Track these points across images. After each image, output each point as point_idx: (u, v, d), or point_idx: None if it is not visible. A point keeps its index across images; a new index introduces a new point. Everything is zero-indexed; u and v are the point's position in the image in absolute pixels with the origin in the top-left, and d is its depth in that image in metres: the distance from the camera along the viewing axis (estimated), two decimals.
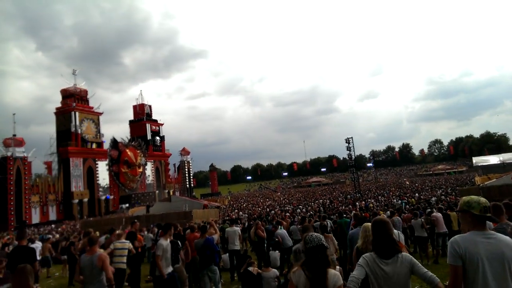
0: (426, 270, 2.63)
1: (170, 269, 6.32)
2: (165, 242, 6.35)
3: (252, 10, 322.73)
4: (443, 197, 23.60)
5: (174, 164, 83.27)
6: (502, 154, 70.75)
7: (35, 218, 49.09)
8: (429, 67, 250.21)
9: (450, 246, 2.60)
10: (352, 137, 37.97)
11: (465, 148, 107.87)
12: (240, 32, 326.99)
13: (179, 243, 7.26)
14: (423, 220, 9.95)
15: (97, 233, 10.74)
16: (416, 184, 46.36)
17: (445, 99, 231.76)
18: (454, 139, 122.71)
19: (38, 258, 12.10)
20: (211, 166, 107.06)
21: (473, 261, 2.47)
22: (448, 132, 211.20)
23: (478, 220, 2.60)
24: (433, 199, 23.28)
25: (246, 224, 15.44)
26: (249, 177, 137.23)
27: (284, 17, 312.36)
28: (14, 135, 49.01)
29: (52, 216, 51.81)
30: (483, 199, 2.65)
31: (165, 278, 6.13)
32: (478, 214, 2.59)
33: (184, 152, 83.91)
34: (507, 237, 2.57)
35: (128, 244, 7.95)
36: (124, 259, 7.74)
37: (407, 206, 19.91)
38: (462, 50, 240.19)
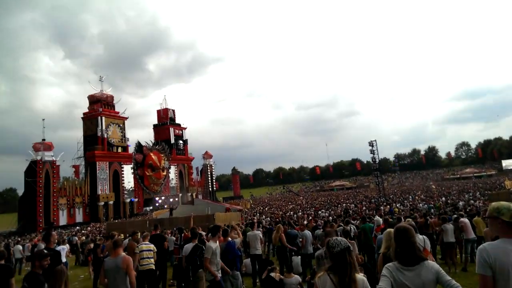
0: (450, 278, 2.53)
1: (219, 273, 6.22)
2: (214, 245, 6.23)
3: (273, 15, 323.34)
4: (471, 201, 22.79)
5: (197, 168, 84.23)
6: None
7: (63, 220, 50.57)
8: (455, 68, 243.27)
9: (479, 255, 2.49)
10: (375, 140, 37.27)
11: (493, 150, 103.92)
12: (261, 37, 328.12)
13: (204, 248, 7.23)
14: (453, 225, 9.60)
15: (121, 236, 10.91)
16: (443, 188, 45.03)
17: (471, 100, 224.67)
18: (482, 142, 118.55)
19: (64, 260, 12.45)
20: (233, 169, 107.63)
21: (503, 271, 2.35)
22: (475, 134, 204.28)
23: (509, 227, 2.47)
24: (461, 203, 22.55)
25: (267, 228, 15.32)
26: (271, 181, 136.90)
27: (305, 23, 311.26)
28: (44, 140, 50.74)
29: (79, 218, 53.26)
30: (509, 204, 2.53)
31: (218, 280, 6.06)
32: (508, 220, 2.46)
33: (207, 155, 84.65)
34: None
35: (152, 246, 7.94)
36: (152, 260, 7.72)
37: (433, 210, 19.35)
38: (489, 50, 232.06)
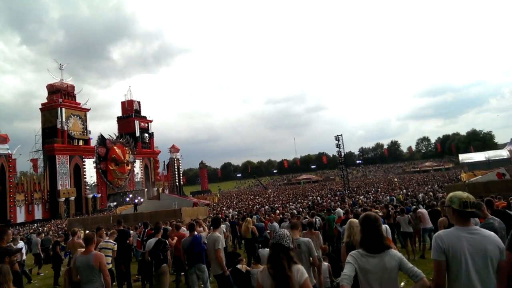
0: (412, 266, 2.63)
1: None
2: (220, 236, 6.36)
3: (243, 8, 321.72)
4: (430, 193, 23.87)
5: (164, 162, 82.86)
6: (488, 152, 72.22)
7: (20, 217, 48.22)
8: (418, 66, 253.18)
9: (434, 241, 2.65)
10: (341, 135, 38.23)
11: (451, 145, 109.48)
12: (230, 30, 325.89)
13: (167, 242, 7.17)
14: (410, 216, 10.07)
15: (82, 232, 10.56)
16: (404, 181, 46.88)
17: (432, 97, 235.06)
18: (441, 137, 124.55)
19: (24, 258, 11.93)
20: (201, 163, 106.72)
21: (456, 256, 2.51)
22: (435, 130, 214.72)
23: (460, 215, 2.63)
24: (420, 195, 23.56)
25: (231, 221, 15.29)
26: (239, 175, 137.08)
27: (275, 17, 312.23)
28: None
29: (38, 215, 50.97)
30: (465, 194, 2.67)
31: (227, 275, 6.21)
32: (457, 209, 2.62)
33: (174, 149, 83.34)
34: (491, 233, 2.59)
35: (111, 244, 7.85)
36: (110, 259, 7.61)
37: (395, 201, 20.08)
38: (450, 52, 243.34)
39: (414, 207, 12.48)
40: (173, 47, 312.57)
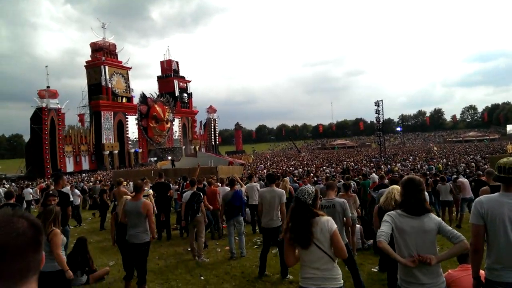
0: (451, 229, 2.63)
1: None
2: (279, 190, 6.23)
3: None
4: (473, 164, 23.05)
5: (201, 122, 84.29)
6: None
7: (69, 167, 51.64)
8: (468, 29, 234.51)
9: (474, 206, 2.64)
10: (382, 100, 36.91)
11: (500, 115, 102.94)
12: None
13: (201, 194, 7.62)
14: (450, 185, 9.93)
15: (142, 181, 11.31)
16: (444, 150, 45.29)
17: (483, 63, 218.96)
18: (489, 106, 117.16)
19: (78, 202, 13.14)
20: (237, 124, 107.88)
21: (494, 221, 2.48)
22: (484, 98, 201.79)
23: (500, 181, 2.59)
24: (462, 165, 22.83)
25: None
26: (273, 137, 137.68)
27: None
28: (48, 87, 50.49)
29: (85, 166, 54.35)
30: (505, 160, 2.62)
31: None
32: (497, 174, 2.60)
33: (211, 110, 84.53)
34: None
35: (146, 191, 8.45)
36: None
37: (434, 171, 19.67)
38: (504, 14, 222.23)
39: (455, 176, 12.25)
40: (210, 6, 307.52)
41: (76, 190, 13.91)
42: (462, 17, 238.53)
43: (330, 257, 2.76)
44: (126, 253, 5.49)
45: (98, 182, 23.23)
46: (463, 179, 10.23)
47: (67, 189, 13.19)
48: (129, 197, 6.06)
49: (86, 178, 36.46)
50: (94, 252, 6.82)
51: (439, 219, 2.71)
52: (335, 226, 2.80)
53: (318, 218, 2.79)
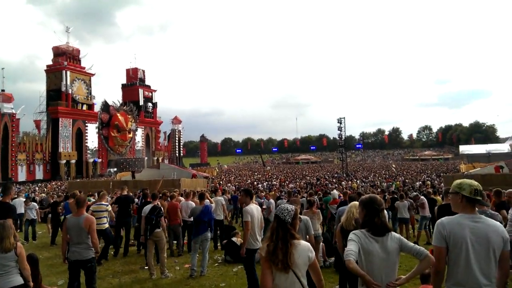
0: (413, 244, 2.65)
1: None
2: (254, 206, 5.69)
3: None
4: (428, 182, 24.06)
5: (165, 132, 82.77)
6: (489, 145, 72.16)
7: (21, 176, 48.75)
8: (428, 52, 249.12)
9: (436, 228, 2.62)
10: (344, 117, 38.05)
11: (453, 136, 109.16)
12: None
13: (161, 208, 7.42)
14: (409, 202, 10.23)
15: (84, 195, 10.75)
16: (402, 168, 47.11)
17: (439, 85, 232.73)
18: (443, 126, 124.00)
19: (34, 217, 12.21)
20: (202, 136, 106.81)
21: (456, 244, 2.49)
22: (438, 119, 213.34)
23: (468, 202, 2.58)
24: (417, 183, 23.75)
25: (232, 195, 15.59)
26: (238, 150, 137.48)
27: None
28: (3, 90, 47.85)
29: (39, 175, 51.52)
30: (475, 182, 2.64)
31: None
32: (468, 196, 2.57)
33: (176, 120, 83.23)
34: (496, 222, 2.57)
35: (104, 206, 8.44)
36: (104, 220, 8.24)
37: (392, 189, 20.29)
38: (457, 46, 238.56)
39: (415, 193, 12.65)
40: (177, 14, 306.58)
41: (33, 203, 12.99)
42: (421, 44, 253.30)
43: (302, 285, 2.62)
44: (71, 271, 5.12)
45: (50, 192, 22.01)
46: (423, 198, 10.51)
47: (19, 200, 12.43)
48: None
49: (37, 188, 34.44)
50: (42, 270, 6.33)
51: (399, 235, 2.71)
52: (313, 254, 2.69)
53: (297, 241, 2.65)
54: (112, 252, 9.08)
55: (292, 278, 2.58)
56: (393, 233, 2.71)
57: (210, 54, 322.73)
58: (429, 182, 23.52)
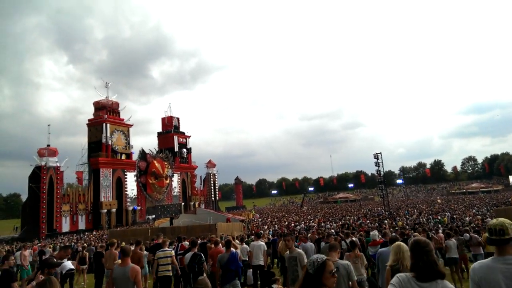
0: None
1: None
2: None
3: (278, 24, 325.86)
4: (478, 217, 22.41)
5: (200, 177, 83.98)
6: None
7: (65, 227, 50.46)
8: (463, 81, 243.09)
9: (470, 273, 2.52)
10: (381, 152, 37.01)
11: (500, 166, 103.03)
12: (264, 45, 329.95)
13: (203, 255, 7.24)
14: (461, 239, 9.47)
15: (123, 243, 10.84)
16: (449, 203, 44.49)
17: (478, 114, 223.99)
18: (489, 156, 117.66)
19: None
20: (237, 179, 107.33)
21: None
22: (482, 149, 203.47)
23: (492, 244, 2.47)
24: (467, 219, 22.20)
25: (271, 239, 15.16)
26: (274, 191, 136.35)
27: (310, 33, 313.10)
28: (48, 145, 50.91)
29: (81, 225, 53.14)
30: (495, 221, 2.50)
31: None
32: (488, 237, 2.49)
33: (210, 164, 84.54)
34: None
35: (170, 252, 8.32)
36: (169, 267, 8.10)
37: (439, 225, 19.05)
38: (497, 65, 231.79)
39: (465, 233, 11.74)
40: (209, 64, 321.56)
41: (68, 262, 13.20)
42: (457, 69, 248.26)
43: None
44: None
45: (93, 242, 22.41)
46: (474, 235, 9.73)
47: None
48: (120, 261, 5.71)
49: (78, 238, 35.33)
50: None
51: (451, 286, 2.46)
52: None
53: None
54: None
55: None
56: (445, 281, 2.45)
57: (239, 98, 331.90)
58: (479, 217, 21.89)
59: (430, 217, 26.89)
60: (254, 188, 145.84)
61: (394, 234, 10.11)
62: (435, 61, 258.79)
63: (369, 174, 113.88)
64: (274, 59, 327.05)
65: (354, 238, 9.83)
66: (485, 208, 31.97)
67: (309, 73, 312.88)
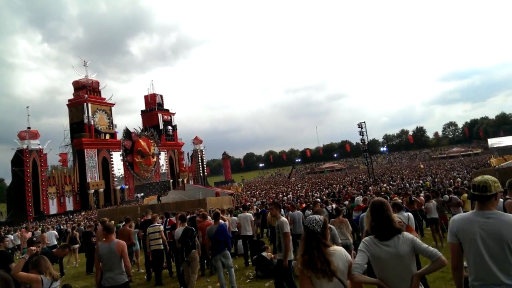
0: (427, 246, 2.58)
1: None
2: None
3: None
4: (458, 179, 23.25)
5: (188, 153, 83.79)
6: None
7: (53, 209, 50.23)
8: (443, 49, 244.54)
9: (449, 225, 2.67)
10: (364, 122, 37.56)
11: (480, 130, 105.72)
12: (247, 19, 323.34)
13: (194, 229, 7.40)
14: (435, 202, 9.90)
15: (112, 222, 10.93)
16: (431, 167, 45.80)
17: (459, 80, 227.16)
18: (469, 121, 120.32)
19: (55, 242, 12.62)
20: (224, 154, 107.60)
21: (466, 240, 2.50)
22: (463, 114, 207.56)
23: (475, 199, 2.58)
24: (447, 182, 22.99)
25: (259, 210, 15.51)
26: (262, 165, 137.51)
27: (293, 5, 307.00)
28: (29, 128, 49.80)
29: (69, 206, 52.95)
30: (479, 178, 2.61)
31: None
32: (471, 192, 2.60)
33: (197, 141, 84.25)
34: (510, 216, 2.48)
35: (159, 227, 8.64)
36: (159, 241, 8.44)
37: (422, 189, 19.71)
38: (476, 32, 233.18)
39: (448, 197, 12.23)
40: (190, 39, 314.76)
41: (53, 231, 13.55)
42: (437, 36, 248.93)
43: None
44: None
45: (82, 223, 22.52)
46: (457, 198, 10.16)
47: (50, 232, 13.15)
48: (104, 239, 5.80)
49: (67, 219, 35.31)
50: None
51: (412, 236, 2.63)
52: (349, 256, 2.65)
53: (332, 248, 2.62)
54: (145, 277, 9.15)
55: (338, 285, 2.54)
56: (405, 234, 2.63)
57: (223, 73, 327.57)
58: (459, 179, 22.70)
59: (413, 181, 27.73)
60: (242, 162, 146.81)
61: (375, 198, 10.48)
62: (416, 29, 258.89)
63: (354, 144, 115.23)
64: (256, 32, 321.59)
65: (334, 205, 10.24)
66: (465, 170, 33.10)
67: (292, 45, 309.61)
